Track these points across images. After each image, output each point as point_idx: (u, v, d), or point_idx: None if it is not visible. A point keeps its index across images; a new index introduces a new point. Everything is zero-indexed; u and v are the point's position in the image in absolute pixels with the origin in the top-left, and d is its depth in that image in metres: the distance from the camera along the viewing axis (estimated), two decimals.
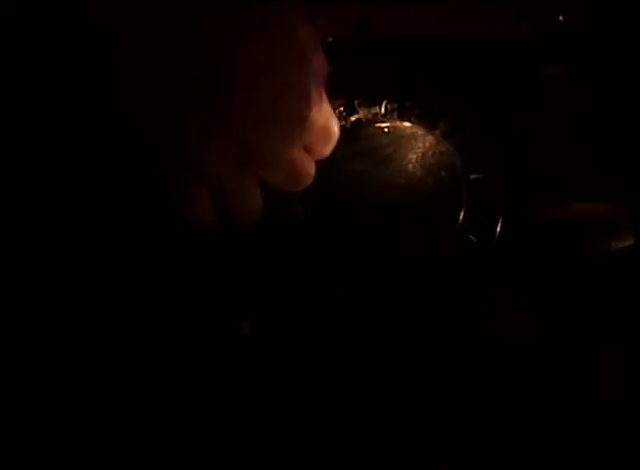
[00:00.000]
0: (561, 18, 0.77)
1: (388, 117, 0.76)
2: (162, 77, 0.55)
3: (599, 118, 0.77)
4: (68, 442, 0.73)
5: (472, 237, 0.75)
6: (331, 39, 0.76)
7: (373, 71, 0.77)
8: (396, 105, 0.76)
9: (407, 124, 0.76)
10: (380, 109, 0.76)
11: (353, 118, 0.76)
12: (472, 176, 0.75)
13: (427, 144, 0.75)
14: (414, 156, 0.75)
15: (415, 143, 0.75)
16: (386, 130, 0.75)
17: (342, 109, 0.76)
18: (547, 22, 0.77)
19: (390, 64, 0.77)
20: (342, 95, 0.77)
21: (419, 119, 0.76)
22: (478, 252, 0.76)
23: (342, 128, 0.75)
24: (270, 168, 0.63)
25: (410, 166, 0.75)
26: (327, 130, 0.68)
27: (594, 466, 0.75)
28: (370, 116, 0.76)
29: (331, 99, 0.76)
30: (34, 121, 0.59)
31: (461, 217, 0.75)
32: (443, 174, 0.75)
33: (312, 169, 0.67)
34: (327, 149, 0.68)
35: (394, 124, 0.75)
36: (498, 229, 0.76)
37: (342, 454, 0.74)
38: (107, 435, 0.73)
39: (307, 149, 0.66)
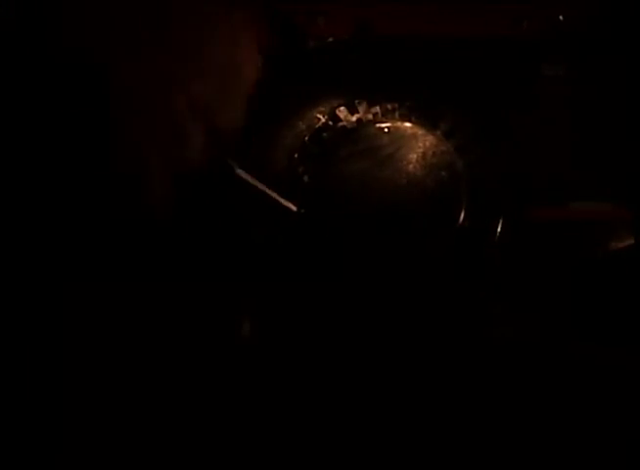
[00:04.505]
0: (561, 18, 0.77)
1: (389, 116, 0.76)
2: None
3: (599, 119, 0.77)
4: (68, 442, 0.73)
5: None
6: (331, 39, 0.76)
7: (373, 71, 0.77)
8: (396, 105, 0.76)
9: (408, 124, 0.76)
10: (380, 109, 0.76)
11: (354, 118, 0.76)
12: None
13: (427, 144, 0.75)
14: (414, 155, 0.75)
15: (415, 143, 0.75)
16: (386, 130, 0.75)
17: (342, 109, 0.76)
18: (547, 22, 0.77)
19: (390, 64, 0.77)
20: (343, 95, 0.77)
21: (419, 119, 0.76)
22: (478, 251, 0.76)
23: (342, 128, 0.76)
24: None
25: (410, 166, 0.75)
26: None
27: (594, 466, 0.75)
28: (370, 116, 0.76)
29: (331, 99, 0.77)
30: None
31: (461, 217, 0.75)
32: (443, 174, 0.75)
33: None
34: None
35: (395, 124, 0.75)
36: (498, 229, 0.77)
37: (344, 455, 0.74)
38: (106, 435, 0.73)
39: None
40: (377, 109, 0.76)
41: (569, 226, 0.77)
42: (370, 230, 0.74)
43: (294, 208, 0.73)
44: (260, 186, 0.72)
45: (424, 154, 0.75)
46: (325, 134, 0.76)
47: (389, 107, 0.76)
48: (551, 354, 0.76)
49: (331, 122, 0.76)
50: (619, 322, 0.77)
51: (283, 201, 0.72)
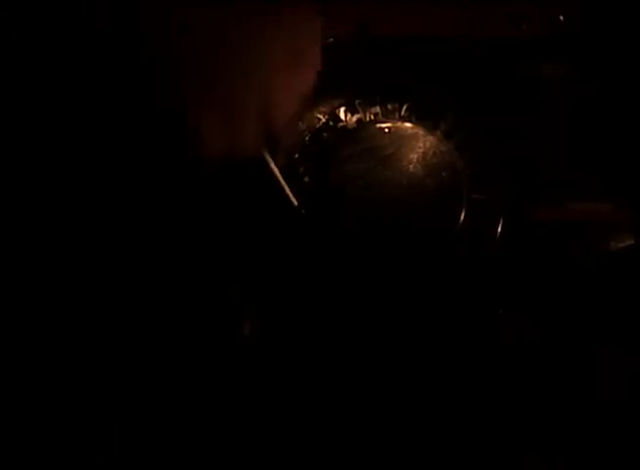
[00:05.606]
0: (561, 18, 0.77)
1: (389, 117, 0.76)
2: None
3: (599, 119, 0.77)
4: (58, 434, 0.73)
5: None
6: (331, 39, 0.76)
7: (373, 71, 0.77)
8: (397, 105, 0.76)
9: (408, 124, 0.75)
10: (380, 109, 0.76)
11: (354, 119, 0.76)
12: (474, 196, 0.75)
13: (427, 144, 0.75)
14: (415, 156, 0.75)
15: (416, 143, 0.75)
16: (386, 130, 0.75)
17: (342, 109, 0.76)
18: (547, 22, 0.77)
19: (390, 64, 0.77)
20: (343, 95, 0.77)
21: (420, 120, 0.76)
22: (479, 249, 0.76)
23: (343, 128, 0.76)
24: None
25: (411, 166, 0.75)
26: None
27: (594, 465, 0.75)
28: (371, 116, 0.76)
29: (331, 99, 0.76)
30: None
31: (461, 217, 0.75)
32: (444, 174, 0.75)
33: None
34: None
35: (395, 124, 0.75)
36: (498, 229, 0.77)
37: (345, 455, 0.74)
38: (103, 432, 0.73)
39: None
40: (377, 109, 0.76)
41: (569, 226, 0.77)
42: (370, 230, 0.74)
43: (295, 202, 0.72)
44: (276, 174, 0.71)
45: (424, 154, 0.75)
46: (325, 134, 0.76)
47: (390, 107, 0.76)
48: (551, 354, 0.77)
49: (331, 123, 0.76)
50: (619, 322, 0.77)
51: (289, 192, 0.72)
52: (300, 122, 0.75)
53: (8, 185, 0.67)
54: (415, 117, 0.76)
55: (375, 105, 0.76)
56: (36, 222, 0.71)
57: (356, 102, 0.76)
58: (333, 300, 0.75)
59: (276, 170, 0.70)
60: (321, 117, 0.76)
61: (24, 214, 0.70)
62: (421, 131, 0.75)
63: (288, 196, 0.72)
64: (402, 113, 0.76)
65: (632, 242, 0.77)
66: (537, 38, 0.77)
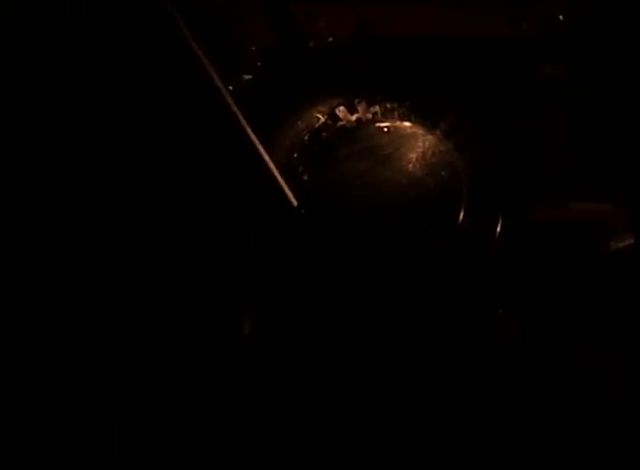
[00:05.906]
0: (561, 18, 0.77)
1: (388, 116, 0.76)
2: None
3: (599, 118, 0.77)
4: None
5: None
6: (331, 39, 0.76)
7: (373, 71, 0.77)
8: (396, 104, 0.76)
9: (407, 124, 0.75)
10: (379, 108, 0.76)
11: (353, 118, 0.76)
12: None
13: (427, 144, 0.75)
14: (414, 155, 0.75)
15: (415, 142, 0.75)
16: (386, 130, 0.75)
17: (341, 108, 0.76)
18: (547, 22, 0.77)
19: (390, 64, 0.77)
20: (342, 94, 0.77)
21: (419, 119, 0.76)
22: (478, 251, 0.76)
23: (342, 128, 0.76)
24: None
25: (410, 166, 0.75)
26: None
27: (594, 465, 0.75)
28: (370, 115, 0.76)
29: (330, 98, 0.77)
30: None
31: (461, 217, 0.75)
32: (443, 174, 0.75)
33: None
34: None
35: (394, 124, 0.75)
36: (498, 229, 0.77)
37: (344, 455, 0.74)
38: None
39: None
40: (376, 108, 0.76)
41: (569, 226, 0.77)
42: (370, 230, 0.74)
43: (294, 202, 0.72)
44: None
45: (423, 153, 0.75)
46: (324, 134, 0.75)
47: (389, 106, 0.76)
48: (551, 354, 0.76)
49: (330, 122, 0.76)
50: (619, 322, 0.77)
51: (288, 192, 0.72)
52: (300, 122, 0.75)
53: None
54: (414, 116, 0.76)
55: (374, 104, 0.76)
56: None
57: (355, 101, 0.76)
58: (332, 299, 0.75)
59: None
60: (320, 116, 0.76)
61: None
62: (420, 131, 0.75)
63: (287, 195, 0.72)
64: (401, 112, 0.76)
65: (632, 242, 0.77)
66: (537, 38, 0.77)
